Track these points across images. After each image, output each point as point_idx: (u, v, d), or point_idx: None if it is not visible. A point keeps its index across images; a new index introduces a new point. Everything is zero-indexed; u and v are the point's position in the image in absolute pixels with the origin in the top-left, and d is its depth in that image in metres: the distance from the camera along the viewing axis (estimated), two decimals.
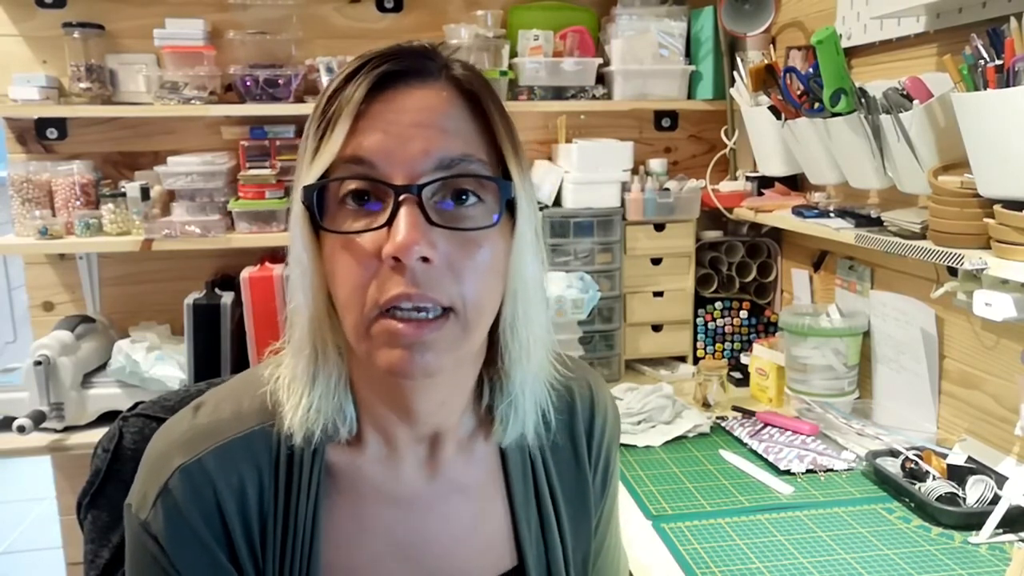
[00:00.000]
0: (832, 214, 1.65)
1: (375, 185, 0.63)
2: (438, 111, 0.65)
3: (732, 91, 1.98)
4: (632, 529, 1.27)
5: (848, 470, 1.46)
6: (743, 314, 2.10)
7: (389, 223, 0.61)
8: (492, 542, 0.77)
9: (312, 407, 0.68)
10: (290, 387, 0.69)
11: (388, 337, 0.62)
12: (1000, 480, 1.28)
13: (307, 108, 1.89)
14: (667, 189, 2.01)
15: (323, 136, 0.64)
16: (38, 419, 1.70)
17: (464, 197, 0.64)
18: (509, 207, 0.67)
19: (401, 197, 0.61)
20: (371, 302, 0.62)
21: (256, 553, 0.69)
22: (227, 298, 1.82)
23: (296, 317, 0.68)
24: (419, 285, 0.61)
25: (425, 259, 0.61)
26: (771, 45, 1.94)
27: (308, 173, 0.65)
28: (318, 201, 0.64)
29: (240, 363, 1.83)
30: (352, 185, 0.63)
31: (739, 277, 2.08)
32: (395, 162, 0.62)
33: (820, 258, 1.94)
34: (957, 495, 1.28)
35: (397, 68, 0.65)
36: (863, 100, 1.41)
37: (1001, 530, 1.21)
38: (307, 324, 0.67)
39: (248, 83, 1.90)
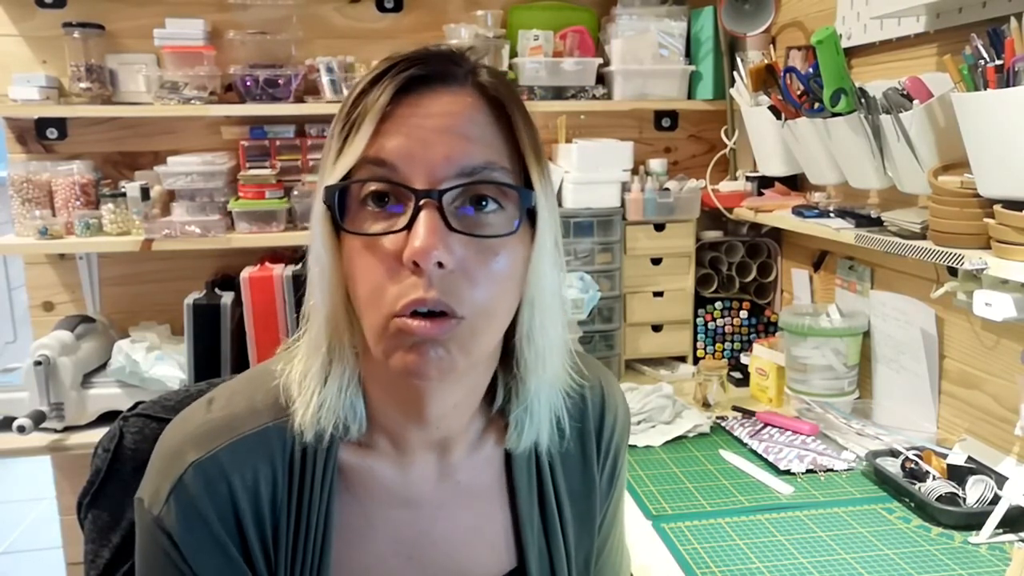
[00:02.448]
0: (832, 214, 1.65)
1: (396, 188, 0.63)
2: (462, 117, 0.65)
3: (732, 91, 1.98)
4: (632, 529, 1.26)
5: (848, 470, 1.46)
6: (743, 314, 2.10)
7: (409, 227, 0.61)
8: (495, 543, 0.77)
9: (324, 405, 0.68)
10: (302, 383, 0.69)
11: (403, 336, 0.62)
12: (1000, 480, 1.28)
13: (307, 108, 1.90)
14: (667, 189, 2.01)
15: (347, 137, 0.65)
16: (38, 419, 1.70)
17: (484, 204, 0.64)
18: (530, 216, 0.67)
19: (421, 201, 0.62)
20: (389, 304, 0.62)
21: (268, 549, 0.69)
22: (227, 298, 1.82)
23: (313, 315, 0.69)
24: (436, 290, 0.61)
25: (442, 264, 0.61)
26: (771, 45, 1.94)
27: (331, 174, 0.65)
28: (340, 202, 0.65)
29: (240, 363, 1.83)
30: (373, 187, 0.64)
31: (739, 277, 2.08)
32: (417, 166, 0.62)
33: (820, 258, 1.94)
34: (957, 495, 1.28)
35: (423, 72, 0.65)
36: (863, 100, 1.41)
37: (1001, 530, 1.21)
38: (324, 323, 0.68)
39: (248, 83, 1.90)
